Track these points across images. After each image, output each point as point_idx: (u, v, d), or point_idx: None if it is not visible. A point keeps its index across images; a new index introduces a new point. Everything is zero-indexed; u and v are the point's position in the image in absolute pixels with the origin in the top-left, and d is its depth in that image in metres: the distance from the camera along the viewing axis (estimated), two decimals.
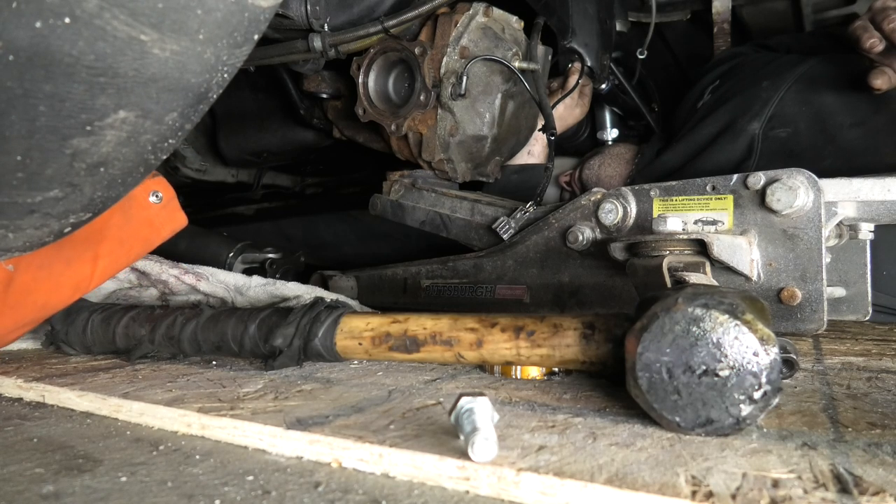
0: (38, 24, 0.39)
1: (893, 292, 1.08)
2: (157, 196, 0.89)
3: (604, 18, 1.36)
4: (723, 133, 1.19)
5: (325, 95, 1.32)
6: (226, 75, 0.52)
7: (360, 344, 0.68)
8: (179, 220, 0.95)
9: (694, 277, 0.65)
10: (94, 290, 1.03)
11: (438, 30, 1.10)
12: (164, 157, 0.57)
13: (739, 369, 0.43)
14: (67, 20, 0.40)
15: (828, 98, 1.11)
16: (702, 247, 0.70)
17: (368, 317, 0.69)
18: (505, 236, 1.02)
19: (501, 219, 1.03)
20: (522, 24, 1.19)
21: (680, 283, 0.61)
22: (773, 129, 1.15)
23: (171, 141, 0.54)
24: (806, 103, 1.14)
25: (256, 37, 0.51)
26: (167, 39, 0.44)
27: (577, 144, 1.68)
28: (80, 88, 0.43)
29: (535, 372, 0.67)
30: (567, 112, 1.39)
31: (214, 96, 0.53)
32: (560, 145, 1.60)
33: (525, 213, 1.02)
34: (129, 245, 0.90)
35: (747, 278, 0.75)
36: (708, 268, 0.70)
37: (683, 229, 0.73)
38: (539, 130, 1.30)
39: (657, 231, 0.72)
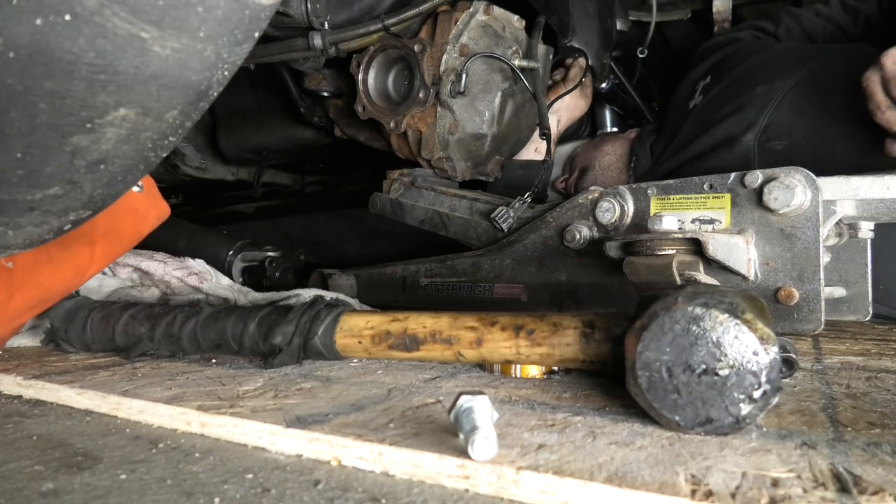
0: (38, 21, 0.39)
1: (891, 304, 1.06)
2: (138, 185, 0.90)
3: (604, 17, 1.37)
4: (719, 147, 1.18)
5: (325, 94, 1.32)
6: (226, 73, 0.52)
7: (359, 342, 0.68)
8: (162, 208, 0.96)
9: (701, 277, 0.65)
10: (96, 288, 1.03)
11: (438, 27, 1.10)
12: (165, 154, 0.57)
13: (739, 368, 0.43)
14: (68, 17, 0.40)
15: (827, 107, 1.06)
16: (698, 246, 0.70)
17: (368, 315, 0.69)
18: (504, 226, 1.01)
19: (500, 208, 1.02)
20: (524, 23, 1.18)
21: (688, 283, 0.61)
22: (769, 140, 1.11)
23: (171, 138, 0.54)
24: (802, 113, 1.09)
25: (257, 34, 0.51)
26: (168, 37, 0.44)
27: None
28: (81, 86, 0.43)
29: (534, 371, 0.67)
30: (574, 102, 1.42)
31: (215, 94, 0.53)
32: (561, 143, 1.60)
33: (524, 202, 1.01)
34: (121, 232, 0.92)
35: (744, 278, 0.75)
36: (701, 266, 0.69)
37: (679, 228, 0.73)
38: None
39: (652, 230, 0.71)
